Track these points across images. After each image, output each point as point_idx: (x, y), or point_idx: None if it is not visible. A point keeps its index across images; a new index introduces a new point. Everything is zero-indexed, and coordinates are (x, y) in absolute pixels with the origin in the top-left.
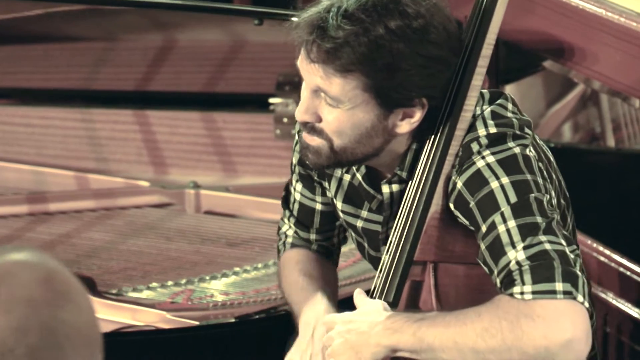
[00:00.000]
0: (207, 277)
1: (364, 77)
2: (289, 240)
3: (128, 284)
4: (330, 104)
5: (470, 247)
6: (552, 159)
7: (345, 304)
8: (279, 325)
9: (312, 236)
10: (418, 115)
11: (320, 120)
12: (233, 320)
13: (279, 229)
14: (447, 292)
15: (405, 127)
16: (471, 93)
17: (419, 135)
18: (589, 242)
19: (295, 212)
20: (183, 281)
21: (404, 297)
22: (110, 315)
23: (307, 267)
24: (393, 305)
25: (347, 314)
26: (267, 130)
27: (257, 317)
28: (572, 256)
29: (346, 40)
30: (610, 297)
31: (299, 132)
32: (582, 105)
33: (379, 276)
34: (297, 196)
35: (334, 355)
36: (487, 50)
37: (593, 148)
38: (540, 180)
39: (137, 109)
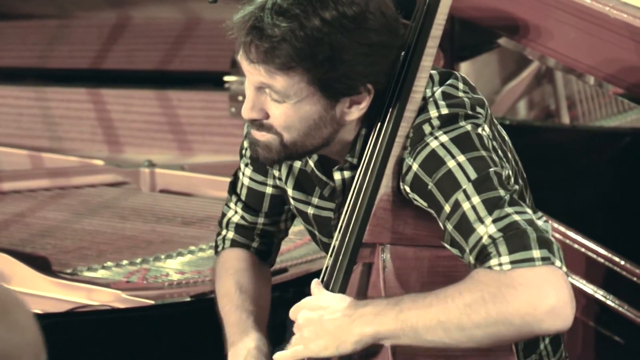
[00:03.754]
0: (163, 256)
1: (305, 72)
2: (230, 235)
3: (83, 264)
4: (276, 100)
5: (420, 230)
6: (507, 138)
7: (300, 282)
8: None
9: (260, 220)
10: (365, 101)
11: (267, 116)
12: (189, 299)
13: (223, 216)
14: (395, 274)
15: (354, 114)
16: (421, 74)
17: (368, 121)
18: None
19: (243, 197)
20: (138, 260)
21: (355, 279)
22: (65, 294)
23: (242, 281)
24: (342, 285)
25: (311, 300)
26: (222, 109)
27: (212, 295)
28: (541, 223)
29: (283, 37)
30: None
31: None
32: (537, 82)
33: (329, 257)
34: (246, 181)
35: (305, 341)
36: (436, 31)
37: (548, 125)
38: (495, 157)
39: (91, 87)
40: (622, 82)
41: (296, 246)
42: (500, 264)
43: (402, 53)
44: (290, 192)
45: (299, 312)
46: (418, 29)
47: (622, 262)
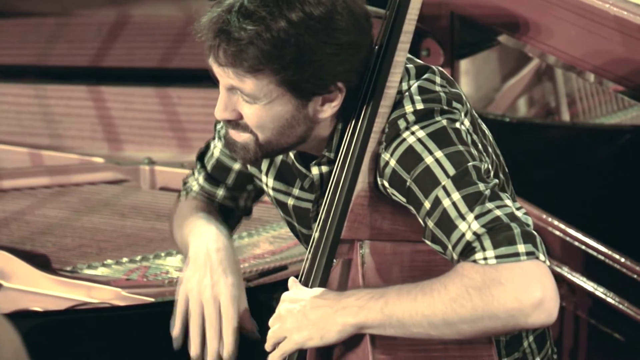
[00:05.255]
0: (163, 254)
1: (274, 73)
2: (194, 191)
3: (83, 261)
4: (247, 101)
5: (398, 225)
6: (487, 132)
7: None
8: None
9: (220, 192)
10: (338, 99)
11: (241, 116)
12: None
13: (185, 182)
14: (374, 270)
15: (327, 112)
16: (394, 70)
17: (344, 115)
18: (544, 216)
19: (209, 168)
20: (138, 258)
21: (335, 276)
22: (65, 292)
23: (205, 209)
24: (322, 282)
25: (291, 293)
26: None
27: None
28: (522, 216)
29: (250, 40)
30: (565, 271)
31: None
32: (537, 79)
33: (308, 254)
34: (217, 152)
35: (288, 333)
36: (409, 26)
37: (548, 123)
38: (473, 151)
39: (91, 84)
40: (622, 80)
41: (296, 244)
42: (485, 258)
43: (376, 48)
44: (271, 182)
45: (280, 305)
46: (390, 24)
47: (623, 260)
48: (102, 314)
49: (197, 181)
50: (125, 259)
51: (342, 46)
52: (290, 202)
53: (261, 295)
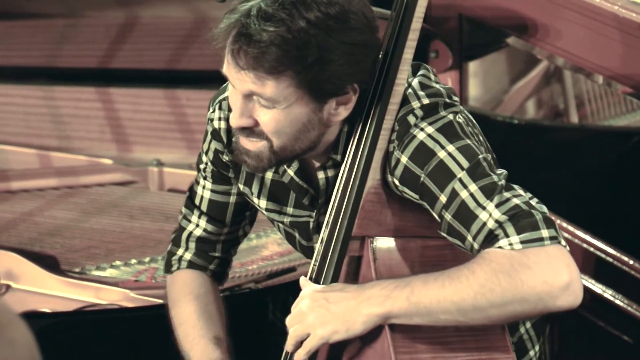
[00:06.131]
0: None
1: (295, 75)
2: (187, 256)
3: (91, 263)
4: (266, 106)
5: (407, 221)
6: (475, 123)
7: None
8: (243, 303)
9: (225, 229)
10: (352, 100)
11: (257, 123)
12: None
13: (180, 231)
14: (386, 265)
15: (341, 114)
16: (402, 67)
17: (350, 118)
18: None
19: (205, 209)
20: (147, 259)
21: (344, 273)
22: (74, 293)
23: (204, 307)
24: (333, 280)
25: (309, 290)
26: None
27: (220, 295)
28: (537, 204)
29: (272, 42)
30: None
31: (234, 138)
32: (545, 81)
33: (317, 254)
34: (207, 194)
35: (311, 329)
36: (416, 23)
37: (556, 124)
38: (477, 144)
39: (99, 86)
40: (631, 81)
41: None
42: (510, 244)
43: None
44: (263, 204)
45: (300, 302)
46: (399, 22)
47: (632, 262)
48: (111, 316)
49: (199, 225)
50: (133, 261)
51: (357, 46)
52: (287, 219)
53: (269, 296)
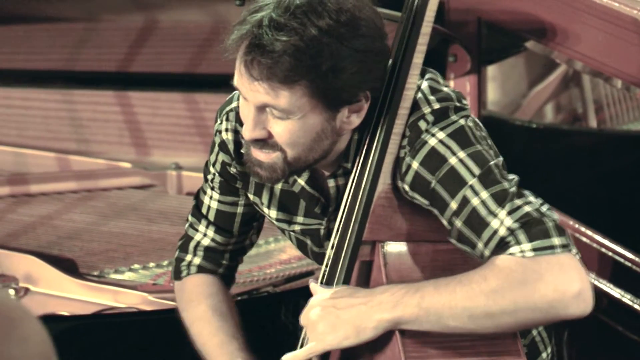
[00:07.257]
0: None
1: (309, 84)
2: (196, 261)
3: (110, 266)
4: (279, 117)
5: (417, 225)
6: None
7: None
8: (261, 307)
9: (232, 239)
10: (364, 108)
11: (270, 135)
12: None
13: (188, 240)
14: (397, 270)
15: (354, 122)
16: (413, 71)
17: (361, 126)
18: (571, 222)
19: (212, 219)
20: (165, 263)
21: (354, 278)
22: (92, 297)
23: (217, 304)
24: (345, 284)
25: (318, 297)
26: None
27: (238, 298)
28: (547, 212)
29: (285, 51)
30: (592, 278)
31: (246, 149)
32: (564, 86)
33: (328, 259)
34: (215, 204)
35: (321, 337)
36: (426, 28)
37: (575, 129)
38: (488, 148)
39: (118, 90)
40: None
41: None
42: (522, 251)
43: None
44: (274, 214)
45: (310, 311)
46: (409, 27)
47: None
48: (129, 319)
49: (206, 235)
50: (152, 264)
51: (370, 53)
52: (297, 228)
53: (287, 299)
